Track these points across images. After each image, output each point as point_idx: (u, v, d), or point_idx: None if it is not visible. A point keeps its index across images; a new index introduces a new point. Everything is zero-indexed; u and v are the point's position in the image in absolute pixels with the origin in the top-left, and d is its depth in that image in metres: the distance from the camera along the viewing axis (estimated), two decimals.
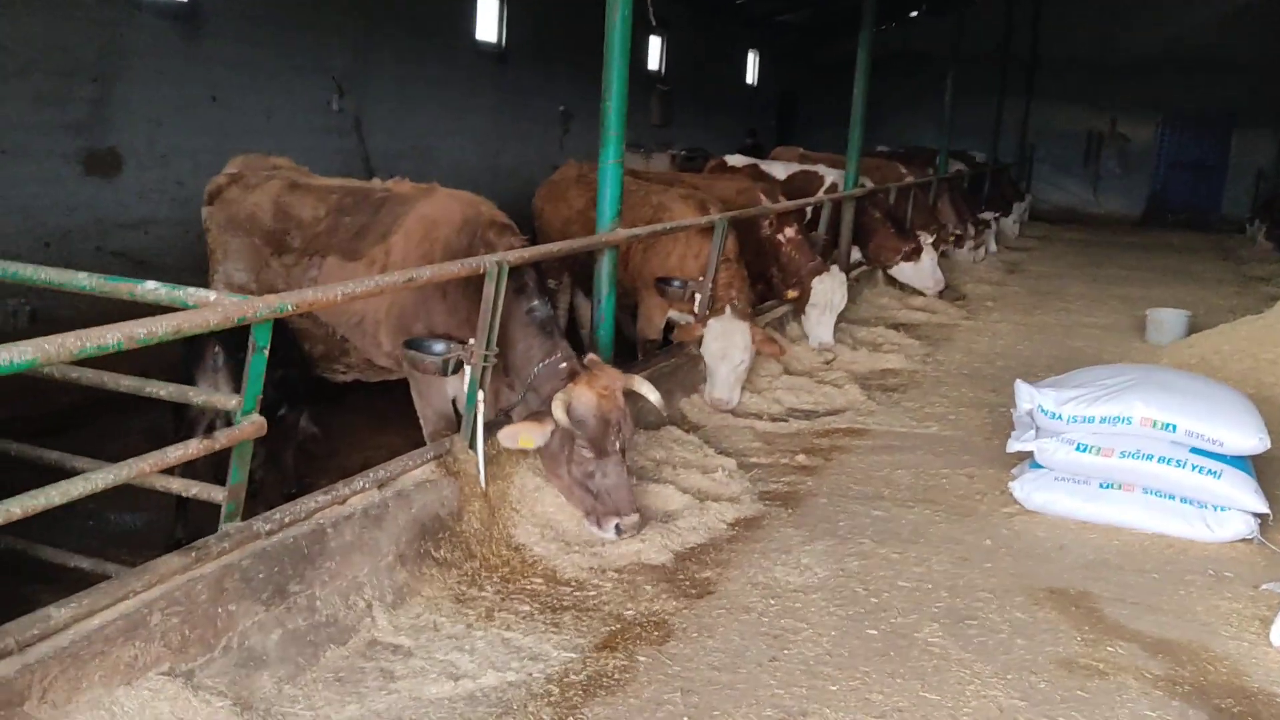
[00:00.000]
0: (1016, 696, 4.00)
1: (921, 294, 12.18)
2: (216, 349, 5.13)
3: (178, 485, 3.88)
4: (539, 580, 4.75)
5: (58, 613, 3.25)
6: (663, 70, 21.99)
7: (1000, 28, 22.52)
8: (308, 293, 3.91)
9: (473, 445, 5.06)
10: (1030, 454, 6.07)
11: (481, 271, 4.83)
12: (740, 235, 8.24)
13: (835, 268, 9.33)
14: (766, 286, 9.29)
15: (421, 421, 5.78)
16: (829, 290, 9.07)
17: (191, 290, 3.65)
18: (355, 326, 5.75)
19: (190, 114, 10.46)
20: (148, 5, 9.95)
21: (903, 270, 12.14)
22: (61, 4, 9.08)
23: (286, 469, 5.81)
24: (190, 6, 10.40)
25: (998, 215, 18.11)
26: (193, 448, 3.58)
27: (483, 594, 4.58)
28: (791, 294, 9.02)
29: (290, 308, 3.71)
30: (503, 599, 4.55)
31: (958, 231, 14.42)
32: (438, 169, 12.98)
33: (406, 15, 13.77)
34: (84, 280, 3.74)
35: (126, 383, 3.86)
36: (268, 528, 3.98)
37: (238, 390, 3.76)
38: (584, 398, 5.01)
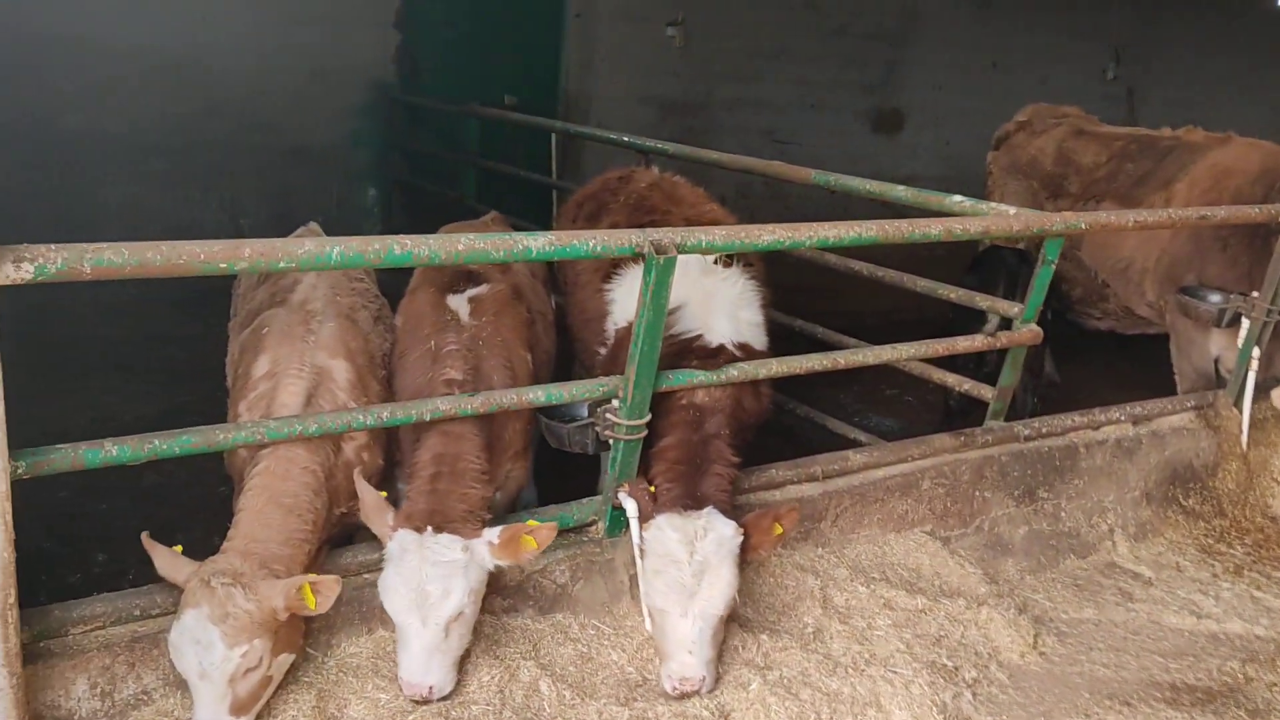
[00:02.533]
0: None
1: None
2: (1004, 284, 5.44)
3: (953, 380, 4.33)
4: None
5: (854, 457, 3.90)
6: None
7: None
8: (1101, 215, 4.08)
9: (1238, 404, 4.82)
10: None
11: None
12: None
13: None
14: None
15: (1177, 377, 5.60)
16: None
17: (992, 204, 4.09)
18: (1120, 272, 5.75)
19: (969, 79, 11.06)
20: None
21: None
22: None
23: (1023, 402, 6.00)
24: None
25: None
26: (978, 341, 3.99)
27: (1231, 551, 4.39)
28: None
29: (1084, 225, 3.92)
30: (1254, 561, 4.32)
31: None
32: None
33: None
34: (901, 192, 4.36)
35: (923, 284, 4.39)
36: (1026, 432, 4.28)
37: None
38: None
